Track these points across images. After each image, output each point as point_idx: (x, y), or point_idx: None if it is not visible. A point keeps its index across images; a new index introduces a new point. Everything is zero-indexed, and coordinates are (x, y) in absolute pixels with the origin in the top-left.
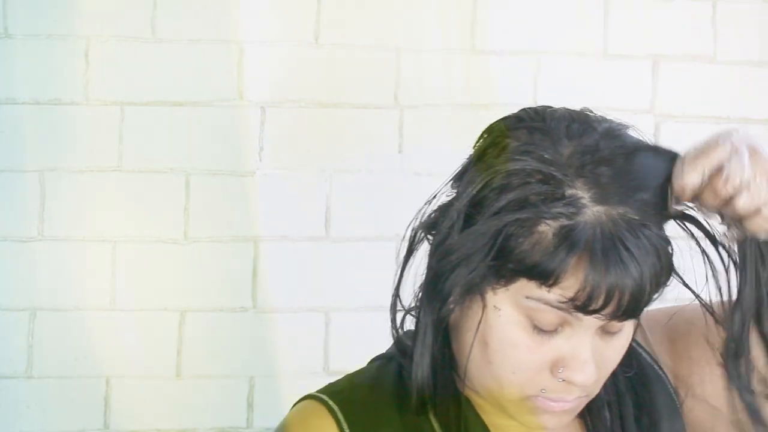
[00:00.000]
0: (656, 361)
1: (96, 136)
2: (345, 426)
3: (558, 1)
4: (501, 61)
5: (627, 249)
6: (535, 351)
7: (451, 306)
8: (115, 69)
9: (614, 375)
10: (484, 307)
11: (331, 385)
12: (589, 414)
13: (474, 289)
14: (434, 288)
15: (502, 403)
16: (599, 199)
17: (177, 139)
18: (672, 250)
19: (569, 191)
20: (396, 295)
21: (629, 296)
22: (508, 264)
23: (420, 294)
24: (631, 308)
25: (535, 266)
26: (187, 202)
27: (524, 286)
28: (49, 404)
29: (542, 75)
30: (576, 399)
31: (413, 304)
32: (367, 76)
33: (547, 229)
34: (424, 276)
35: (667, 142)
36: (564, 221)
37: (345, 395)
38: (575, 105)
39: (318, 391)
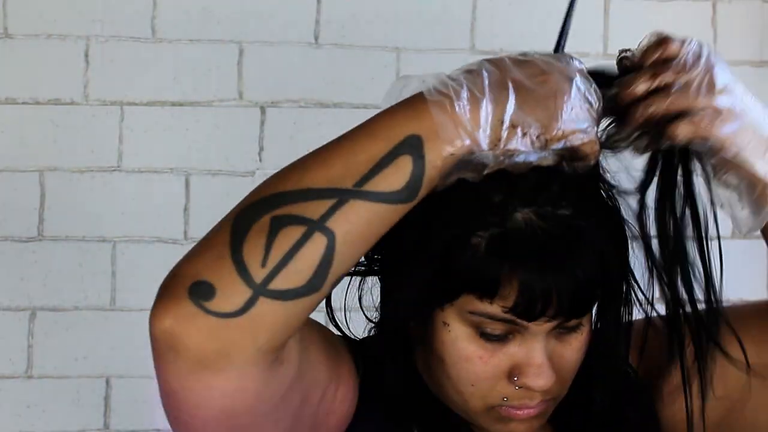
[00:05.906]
0: (634, 371)
1: (96, 136)
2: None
3: (558, 1)
4: None
5: (558, 248)
6: (488, 361)
7: (411, 324)
8: (115, 69)
9: (584, 377)
10: (436, 324)
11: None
12: (556, 417)
13: (425, 308)
14: (389, 307)
15: (471, 416)
16: (528, 201)
17: (177, 139)
18: (621, 235)
19: (497, 198)
20: (329, 307)
21: (569, 296)
22: (450, 281)
23: (379, 312)
24: (575, 308)
25: (473, 279)
26: (187, 202)
27: (468, 301)
28: (49, 404)
29: None
30: (541, 404)
31: (374, 317)
32: (367, 76)
33: (480, 240)
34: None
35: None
36: (494, 230)
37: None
38: None
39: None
